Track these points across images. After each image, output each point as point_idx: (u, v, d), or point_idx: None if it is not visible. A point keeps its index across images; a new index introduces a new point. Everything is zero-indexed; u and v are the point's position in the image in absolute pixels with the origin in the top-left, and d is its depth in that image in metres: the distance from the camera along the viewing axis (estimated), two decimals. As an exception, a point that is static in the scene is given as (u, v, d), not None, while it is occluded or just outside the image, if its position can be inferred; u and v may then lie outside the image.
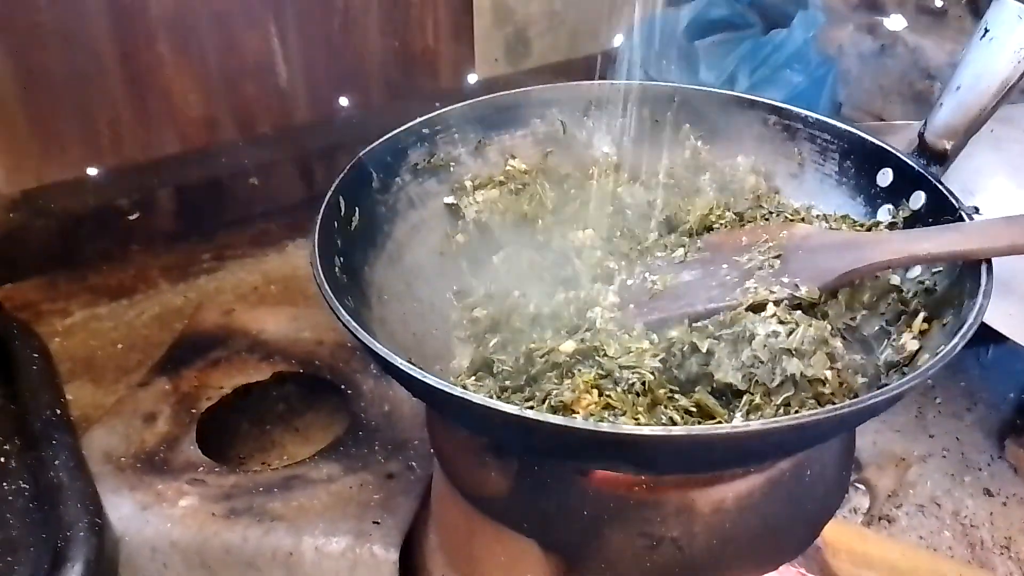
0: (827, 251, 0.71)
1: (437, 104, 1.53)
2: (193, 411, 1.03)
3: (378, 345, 0.57)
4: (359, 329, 0.59)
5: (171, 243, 1.40)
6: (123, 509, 0.88)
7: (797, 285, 0.68)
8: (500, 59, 1.62)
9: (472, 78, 1.60)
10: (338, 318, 0.60)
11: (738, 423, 0.56)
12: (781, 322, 0.63)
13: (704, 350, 0.62)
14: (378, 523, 0.86)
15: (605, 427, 0.51)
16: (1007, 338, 0.97)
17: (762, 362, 0.60)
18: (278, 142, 1.44)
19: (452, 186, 0.89)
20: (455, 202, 0.87)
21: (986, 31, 0.74)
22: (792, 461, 0.69)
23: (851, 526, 0.96)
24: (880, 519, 1.03)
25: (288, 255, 1.49)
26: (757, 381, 0.60)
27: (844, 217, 0.81)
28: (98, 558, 0.78)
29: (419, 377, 0.54)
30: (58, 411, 0.92)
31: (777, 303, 0.65)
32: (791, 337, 0.61)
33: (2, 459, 0.89)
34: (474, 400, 0.52)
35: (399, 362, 0.55)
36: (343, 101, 1.48)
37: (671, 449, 0.51)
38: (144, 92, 1.30)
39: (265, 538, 0.85)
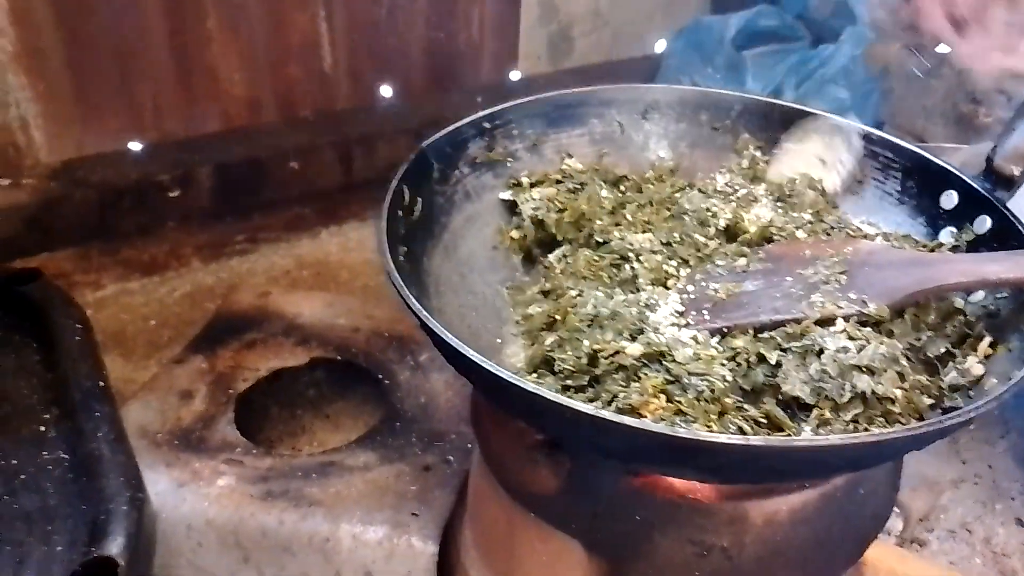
0: (894, 268, 0.70)
1: (478, 98, 1.54)
2: (230, 391, 1.03)
3: (453, 338, 0.57)
4: (431, 319, 0.59)
5: (207, 222, 1.40)
6: (159, 485, 0.88)
7: (865, 302, 0.67)
8: (543, 56, 1.62)
9: (514, 74, 1.59)
10: (409, 307, 0.60)
11: (819, 437, 0.56)
12: (851, 338, 0.62)
13: (772, 361, 0.61)
14: (416, 515, 0.86)
15: (704, 436, 0.50)
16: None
17: (831, 377, 0.60)
18: (318, 126, 1.44)
19: (508, 181, 0.88)
20: (512, 198, 0.86)
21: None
22: (847, 478, 0.68)
23: (891, 547, 0.96)
24: (912, 542, 1.02)
25: (321, 241, 1.48)
26: (826, 396, 0.59)
27: (906, 237, 0.80)
28: (139, 532, 0.77)
29: (498, 373, 0.54)
30: (100, 383, 0.91)
31: (846, 319, 0.65)
32: (861, 354, 0.60)
33: (41, 428, 0.89)
34: (557, 400, 0.51)
35: (476, 357, 0.55)
36: (385, 89, 1.48)
37: (751, 458, 0.51)
38: (190, 68, 1.30)
39: (302, 523, 0.85)
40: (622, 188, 0.89)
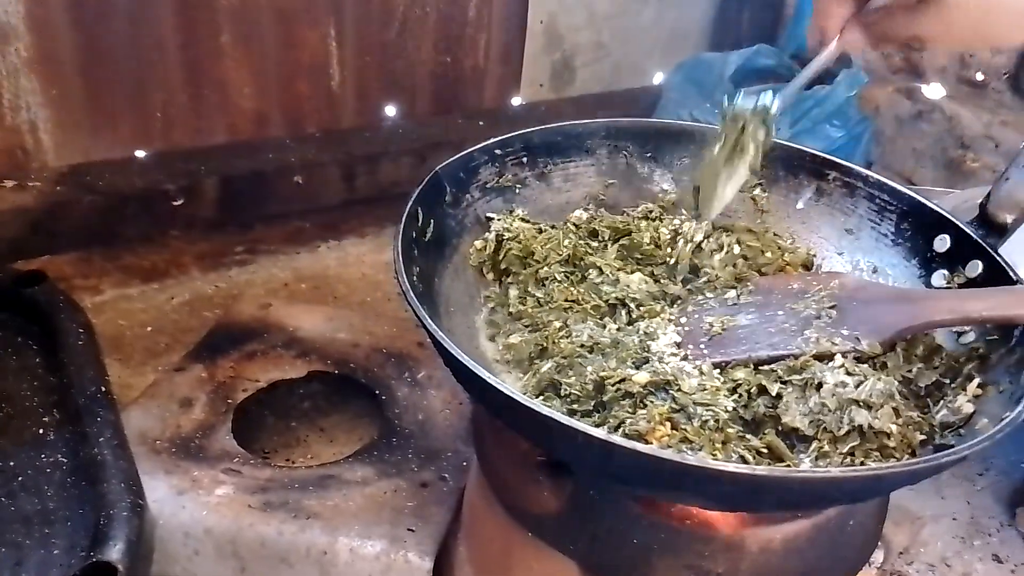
0: (883, 305, 0.73)
1: (480, 123, 1.56)
2: (229, 401, 1.04)
3: (467, 359, 0.59)
4: (446, 339, 0.60)
5: (209, 231, 1.41)
6: (158, 492, 0.88)
7: (858, 338, 0.70)
8: (545, 84, 1.65)
9: (516, 100, 1.62)
10: (425, 327, 0.62)
11: (820, 469, 0.58)
12: (849, 372, 0.65)
13: (773, 393, 0.64)
14: (413, 531, 0.87)
15: (712, 464, 0.52)
16: None
17: (830, 410, 0.62)
18: (324, 143, 1.46)
19: (509, 207, 0.90)
20: (497, 217, 0.87)
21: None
22: (839, 510, 0.70)
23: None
24: (892, 574, 1.04)
25: (320, 255, 1.50)
26: (824, 428, 0.62)
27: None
28: (139, 538, 0.78)
29: (512, 396, 0.56)
30: (102, 388, 0.92)
31: (843, 355, 0.67)
32: (860, 388, 0.63)
33: (42, 431, 0.89)
34: (571, 424, 0.53)
35: (490, 379, 0.57)
36: (390, 109, 1.50)
37: (754, 488, 0.53)
38: (200, 81, 1.31)
39: (300, 534, 0.86)
40: (622, 225, 0.90)
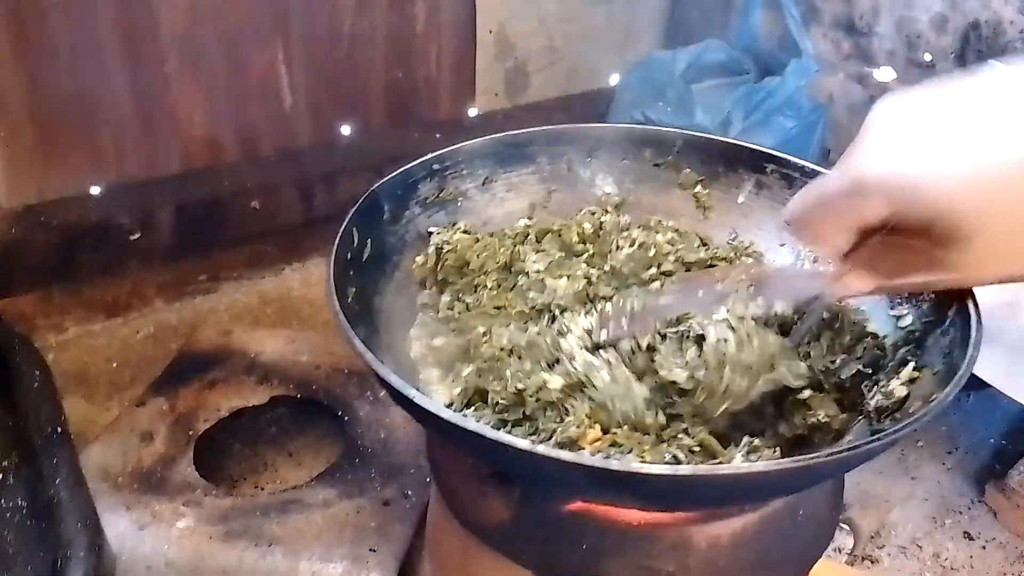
0: (799, 279, 0.74)
1: (437, 134, 1.57)
2: (190, 432, 1.04)
3: (395, 376, 0.59)
4: (375, 360, 0.61)
5: (168, 261, 1.41)
6: (120, 527, 0.88)
7: (771, 305, 0.70)
8: (500, 92, 1.66)
9: (472, 110, 1.62)
10: (355, 348, 0.62)
11: (744, 465, 0.58)
12: (732, 328, 0.65)
13: (644, 347, 0.65)
14: (375, 550, 0.87)
15: (636, 467, 0.52)
16: (987, 384, 1.00)
17: (710, 367, 0.63)
18: (279, 164, 1.46)
19: (452, 220, 0.90)
20: (437, 231, 0.87)
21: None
22: (786, 500, 0.71)
23: (837, 565, 0.98)
24: (863, 559, 1.05)
25: (284, 277, 1.50)
26: (702, 387, 0.63)
27: None
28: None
29: (437, 412, 0.56)
30: (59, 427, 0.92)
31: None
32: (740, 348, 0.64)
33: (0, 474, 0.89)
34: (491, 436, 0.54)
35: (414, 395, 0.57)
36: (345, 126, 1.50)
37: (682, 487, 0.53)
38: (150, 110, 1.31)
39: (262, 561, 0.86)
40: (543, 246, 0.90)
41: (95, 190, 1.32)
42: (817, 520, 0.76)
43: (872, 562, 1.05)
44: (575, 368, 0.67)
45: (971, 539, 1.10)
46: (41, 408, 0.96)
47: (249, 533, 0.88)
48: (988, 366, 0.89)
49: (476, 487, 0.73)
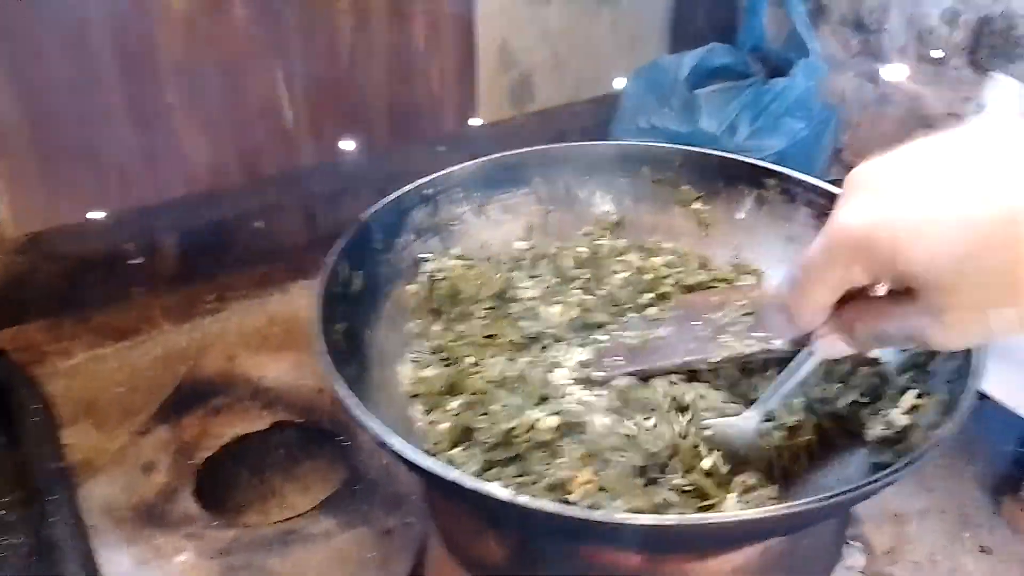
0: None
1: (441, 149, 1.55)
2: (191, 462, 1.04)
3: (374, 421, 0.58)
4: (358, 404, 0.60)
5: (175, 285, 1.41)
6: (122, 565, 0.88)
7: (769, 340, 0.68)
8: (504, 103, 1.64)
9: (476, 122, 1.61)
10: (338, 394, 0.61)
11: (729, 513, 0.56)
12: None
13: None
14: (375, 582, 0.86)
15: (617, 517, 0.51)
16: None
17: None
18: (283, 185, 1.45)
19: (446, 246, 0.89)
20: (432, 258, 0.86)
21: (981, 105, 0.75)
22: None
23: (847, 589, 0.96)
24: (877, 577, 1.02)
25: (292, 296, 1.49)
26: None
27: None
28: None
29: (415, 461, 0.55)
30: (59, 465, 0.92)
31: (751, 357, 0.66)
32: None
33: (3, 511, 0.90)
34: (471, 486, 0.52)
35: (394, 442, 0.56)
36: (348, 145, 1.50)
37: (667, 536, 0.52)
38: (152, 137, 1.31)
39: (262, 596, 0.85)
40: (538, 271, 0.88)
41: (99, 216, 1.32)
42: (821, 550, 0.74)
43: (887, 581, 1.02)
44: (569, 406, 0.66)
45: (988, 554, 1.06)
46: (43, 446, 0.96)
47: (251, 567, 0.88)
48: (998, 383, 0.86)
49: (472, 526, 0.72)
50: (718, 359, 0.67)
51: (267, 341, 1.42)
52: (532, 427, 0.63)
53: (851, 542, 1.04)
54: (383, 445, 0.57)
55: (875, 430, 0.65)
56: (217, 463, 1.07)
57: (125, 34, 1.22)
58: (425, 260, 0.87)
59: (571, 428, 0.63)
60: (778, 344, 0.67)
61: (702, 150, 0.93)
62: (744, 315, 0.72)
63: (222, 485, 1.09)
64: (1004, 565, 1.05)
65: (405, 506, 0.96)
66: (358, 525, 0.94)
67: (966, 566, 1.05)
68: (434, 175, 0.89)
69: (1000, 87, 0.72)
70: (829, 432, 0.67)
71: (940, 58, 1.49)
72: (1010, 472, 1.16)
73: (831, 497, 0.52)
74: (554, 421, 0.64)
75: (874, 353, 0.72)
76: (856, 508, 1.08)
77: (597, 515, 0.50)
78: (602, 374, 0.70)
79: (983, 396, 0.91)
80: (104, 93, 1.25)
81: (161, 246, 1.37)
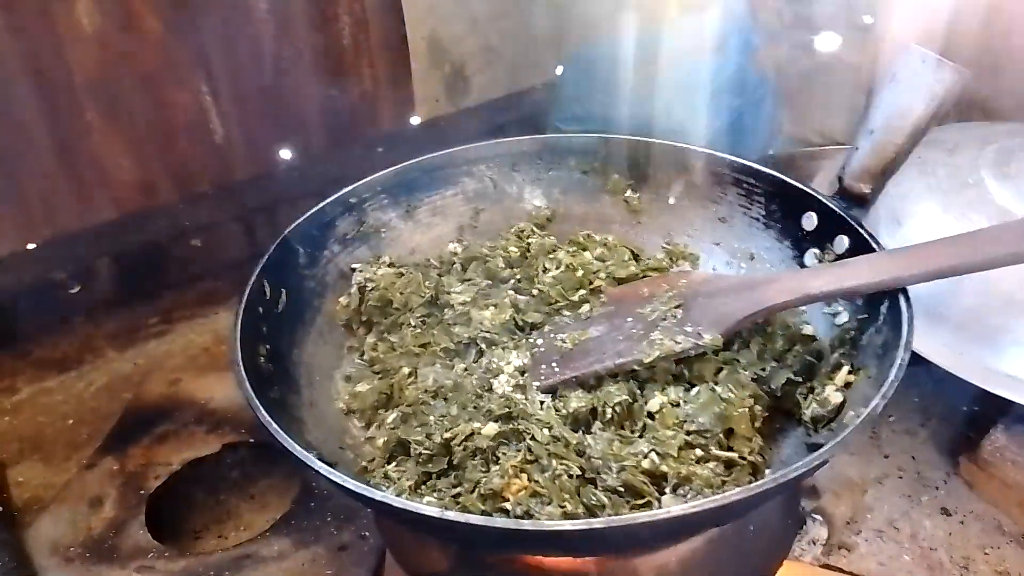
0: (724, 295, 0.72)
1: (379, 149, 1.53)
2: (141, 492, 1.01)
3: (299, 449, 0.56)
4: (281, 432, 0.58)
5: (115, 310, 1.38)
6: (70, 605, 0.86)
7: (700, 334, 0.68)
8: (441, 98, 1.62)
9: (414, 119, 1.59)
10: (261, 421, 0.59)
11: (657, 511, 0.55)
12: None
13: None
14: (330, 601, 0.85)
15: (547, 525, 0.50)
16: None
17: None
18: (219, 200, 1.42)
19: (376, 254, 0.88)
20: (361, 268, 0.85)
21: (894, 76, 0.74)
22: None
23: (803, 567, 0.96)
24: (839, 548, 1.03)
25: (237, 312, 1.47)
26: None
27: None
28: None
29: (340, 482, 0.53)
30: (2, 508, 0.89)
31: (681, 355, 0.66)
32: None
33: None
34: (399, 505, 0.51)
35: (319, 466, 0.55)
36: (284, 153, 1.47)
37: (596, 538, 0.51)
38: (75, 161, 1.28)
39: (215, 626, 0.84)
40: (469, 275, 0.87)
41: (28, 247, 1.29)
42: (771, 532, 0.74)
43: (848, 550, 1.03)
44: (515, 410, 0.65)
45: (948, 515, 1.07)
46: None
47: (202, 597, 0.86)
48: (935, 346, 0.86)
49: (415, 538, 0.71)
50: (651, 359, 0.66)
51: (215, 360, 1.39)
52: (471, 435, 0.62)
53: (812, 516, 1.04)
54: (307, 468, 0.56)
55: (810, 409, 0.64)
56: (170, 490, 1.05)
57: (37, 56, 1.18)
58: (355, 271, 0.85)
59: (512, 436, 0.62)
60: (707, 339, 0.66)
61: (627, 137, 0.92)
62: (675, 307, 0.71)
63: (176, 512, 1.07)
64: (964, 525, 1.06)
65: (359, 520, 0.94)
66: (312, 544, 0.92)
67: (928, 529, 1.05)
68: (356, 183, 0.87)
69: (911, 56, 0.72)
70: (767, 412, 0.66)
71: (870, 24, 1.49)
72: (965, 432, 1.16)
73: (760, 487, 0.51)
74: (493, 429, 0.63)
75: (807, 329, 0.72)
76: (815, 479, 1.08)
77: (526, 524, 0.49)
78: (537, 383, 0.68)
79: (923, 360, 0.92)
80: (21, 118, 1.21)
81: (97, 272, 1.34)
